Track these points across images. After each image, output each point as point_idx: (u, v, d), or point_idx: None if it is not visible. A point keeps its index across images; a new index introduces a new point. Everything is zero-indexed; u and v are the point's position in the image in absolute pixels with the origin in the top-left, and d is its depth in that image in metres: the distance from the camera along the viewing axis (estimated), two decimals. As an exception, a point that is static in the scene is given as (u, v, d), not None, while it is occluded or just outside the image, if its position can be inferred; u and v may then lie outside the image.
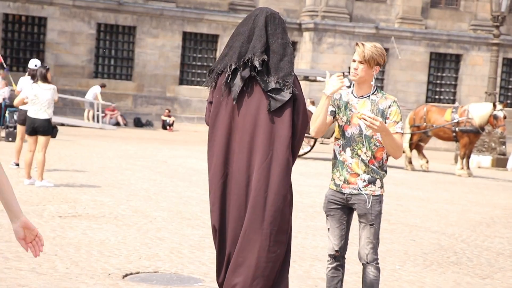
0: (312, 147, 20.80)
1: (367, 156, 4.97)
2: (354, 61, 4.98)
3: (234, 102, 4.86)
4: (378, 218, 5.04)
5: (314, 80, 21.95)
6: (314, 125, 5.03)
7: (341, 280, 5.20)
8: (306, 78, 22.19)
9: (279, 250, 4.86)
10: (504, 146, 24.36)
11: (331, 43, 31.39)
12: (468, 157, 19.43)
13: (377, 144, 4.98)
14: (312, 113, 4.98)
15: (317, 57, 31.25)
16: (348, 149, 4.99)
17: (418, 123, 19.73)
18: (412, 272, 7.60)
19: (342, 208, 5.10)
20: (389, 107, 4.96)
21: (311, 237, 8.95)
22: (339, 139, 5.05)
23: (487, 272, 7.91)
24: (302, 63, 31.51)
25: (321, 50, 31.36)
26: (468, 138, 19.12)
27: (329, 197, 5.11)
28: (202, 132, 28.25)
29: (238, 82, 4.84)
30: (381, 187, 5.04)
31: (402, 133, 5.03)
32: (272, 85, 4.81)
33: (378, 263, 5.09)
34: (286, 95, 4.80)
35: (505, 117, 19.13)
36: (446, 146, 28.87)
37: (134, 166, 15.05)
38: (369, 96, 5.00)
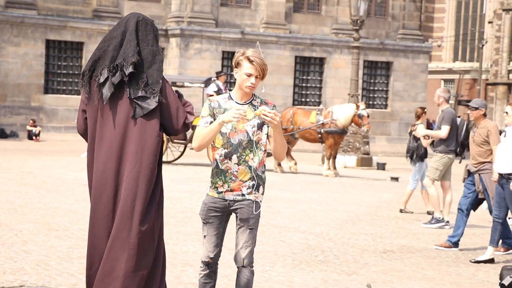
0: (182, 153, 20.79)
1: (254, 162, 5.03)
2: (250, 75, 4.96)
3: (104, 107, 4.80)
4: (257, 222, 5.11)
5: (182, 86, 21.95)
6: (198, 143, 4.94)
7: (214, 286, 5.22)
8: (174, 84, 22.14)
9: (147, 258, 4.84)
10: (367, 146, 25.18)
11: (198, 49, 31.49)
12: (334, 158, 19.95)
13: (262, 148, 5.07)
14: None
15: (184, 63, 31.27)
16: (234, 157, 4.99)
17: (285, 126, 20.08)
18: (282, 272, 7.74)
19: (221, 216, 5.11)
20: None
21: (181, 242, 8.95)
22: (219, 148, 5.03)
23: (352, 268, 8.16)
24: (170, 69, 31.43)
25: (188, 56, 31.40)
26: (333, 139, 19.64)
27: (209, 204, 5.09)
28: (70, 141, 27.66)
29: (108, 88, 4.78)
30: (263, 193, 5.14)
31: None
32: (139, 92, 4.78)
33: (252, 266, 5.15)
34: (152, 104, 4.78)
35: (368, 116, 19.77)
36: (313, 147, 29.54)
37: (-2, 178, 14.55)
38: (251, 102, 5.06)
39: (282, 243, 9.41)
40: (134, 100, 4.77)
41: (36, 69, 30.13)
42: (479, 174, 9.50)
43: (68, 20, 30.36)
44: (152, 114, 4.81)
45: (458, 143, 11.29)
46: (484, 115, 9.65)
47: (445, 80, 49.70)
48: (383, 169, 23.79)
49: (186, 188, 14.52)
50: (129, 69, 4.75)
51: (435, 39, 47.38)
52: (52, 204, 11.52)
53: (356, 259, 8.66)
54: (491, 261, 8.94)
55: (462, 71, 48.80)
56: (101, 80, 4.80)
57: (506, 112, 8.90)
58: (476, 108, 9.59)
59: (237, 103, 5.06)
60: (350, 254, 8.94)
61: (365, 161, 24.46)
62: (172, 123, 4.90)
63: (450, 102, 10.52)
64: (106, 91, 4.78)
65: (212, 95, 21.01)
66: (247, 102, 5.07)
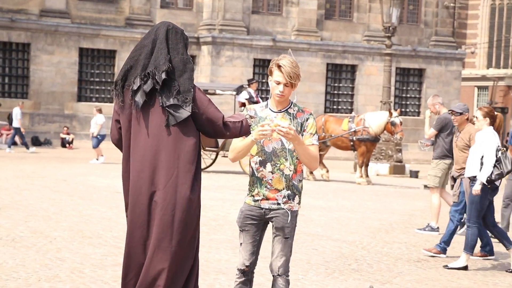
0: (214, 161, 20.81)
1: (290, 171, 5.00)
2: (278, 83, 4.97)
3: (137, 116, 4.82)
4: (293, 231, 5.09)
5: (214, 93, 22.01)
6: (234, 155, 5.03)
7: None
8: (205, 92, 22.21)
9: (187, 265, 4.85)
10: (400, 154, 25.02)
11: (229, 56, 31.56)
12: (367, 165, 19.84)
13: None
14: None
15: (216, 70, 31.35)
16: (268, 165, 4.98)
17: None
18: (315, 281, 7.70)
19: (258, 224, 5.10)
20: (307, 120, 5.03)
21: (214, 250, 8.94)
22: (255, 155, 5.04)
23: (386, 277, 8.09)
24: (201, 77, 31.52)
25: (220, 63, 31.48)
26: (365, 147, 19.52)
27: (246, 212, 5.08)
28: (103, 149, 27.82)
29: (141, 96, 4.80)
30: (299, 203, 5.09)
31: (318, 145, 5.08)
32: (171, 100, 4.79)
33: (288, 276, 5.12)
34: (184, 113, 4.77)
35: (401, 123, 19.64)
36: (345, 155, 29.42)
37: (32, 185, 14.68)
38: (286, 110, 5.05)
39: (315, 251, 9.37)
40: (167, 108, 4.78)
41: (70, 77, 30.41)
42: (460, 179, 9.52)
43: (101, 28, 30.61)
44: (187, 122, 4.81)
45: None
46: (467, 119, 9.71)
47: (479, 87, 49.21)
48: (416, 177, 23.61)
49: (218, 195, 14.53)
50: (162, 77, 4.77)
51: (469, 46, 47.01)
52: (85, 211, 11.59)
53: (390, 268, 8.59)
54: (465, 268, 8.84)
55: (496, 78, 48.27)
56: (134, 88, 4.82)
57: (476, 117, 8.93)
58: (460, 113, 9.70)
59: (272, 111, 5.06)
60: (384, 263, 8.87)
61: (398, 169, 24.30)
62: (215, 127, 4.87)
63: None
64: (139, 99, 4.80)
65: (244, 103, 21.16)
66: (282, 110, 5.06)
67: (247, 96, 20.97)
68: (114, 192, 14.10)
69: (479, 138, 8.86)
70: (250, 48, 31.82)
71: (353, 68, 33.73)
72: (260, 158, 5.02)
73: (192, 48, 31.63)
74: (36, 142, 29.35)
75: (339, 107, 33.77)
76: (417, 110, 34.86)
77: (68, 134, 29.54)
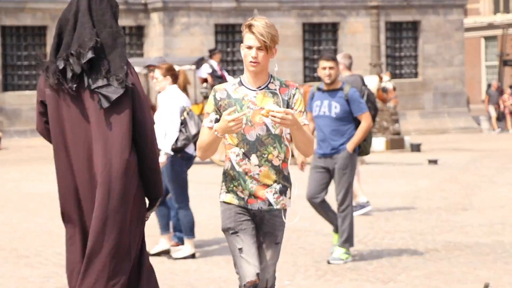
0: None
1: (279, 160, 4.85)
2: (250, 47, 4.77)
3: (65, 104, 4.81)
4: (283, 234, 5.01)
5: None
6: (202, 153, 4.89)
7: None
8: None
9: (122, 275, 4.80)
10: (397, 124, 25.09)
11: (185, 24, 31.44)
12: (358, 142, 19.85)
13: (286, 143, 4.88)
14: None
15: (170, 41, 31.23)
16: (253, 156, 4.81)
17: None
18: (303, 285, 7.78)
19: (252, 220, 4.92)
20: (294, 96, 4.86)
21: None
22: (234, 146, 4.85)
23: (389, 275, 8.13)
24: (153, 50, 31.38)
25: (175, 33, 31.36)
26: (355, 119, 19.54)
27: (235, 209, 4.88)
28: (38, 147, 27.57)
29: (68, 81, 4.79)
30: (290, 197, 4.97)
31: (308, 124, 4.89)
32: (100, 82, 4.74)
33: (274, 285, 5.05)
34: (118, 91, 4.75)
35: (394, 89, 19.63)
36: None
37: (-46, 198, 14.57)
38: (267, 86, 4.86)
39: (302, 250, 9.42)
40: (96, 90, 4.74)
41: (-8, 63, 30.21)
42: None
43: (26, 0, 30.36)
44: (121, 105, 4.76)
45: None
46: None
47: (486, 38, 49.52)
48: (418, 150, 23.73)
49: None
50: (87, 56, 4.72)
51: (470, -11, 47.30)
52: (20, 225, 11.55)
53: (393, 263, 8.63)
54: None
55: (506, 25, 48.62)
56: (58, 71, 4.78)
57: (156, 78, 9.07)
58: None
59: (250, 89, 4.85)
60: (385, 258, 8.92)
61: (396, 143, 24.38)
62: (143, 113, 4.84)
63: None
64: (67, 84, 4.76)
65: (206, 79, 21.07)
66: (261, 87, 4.87)
67: (209, 70, 20.93)
68: (54, 198, 13.98)
69: (161, 101, 8.98)
70: (210, 12, 31.71)
71: (334, 27, 33.76)
72: (243, 150, 4.84)
73: (139, 17, 31.48)
74: (-42, 145, 29.08)
75: (321, 74, 33.82)
76: (414, 71, 34.98)
77: (-5, 132, 29.33)
